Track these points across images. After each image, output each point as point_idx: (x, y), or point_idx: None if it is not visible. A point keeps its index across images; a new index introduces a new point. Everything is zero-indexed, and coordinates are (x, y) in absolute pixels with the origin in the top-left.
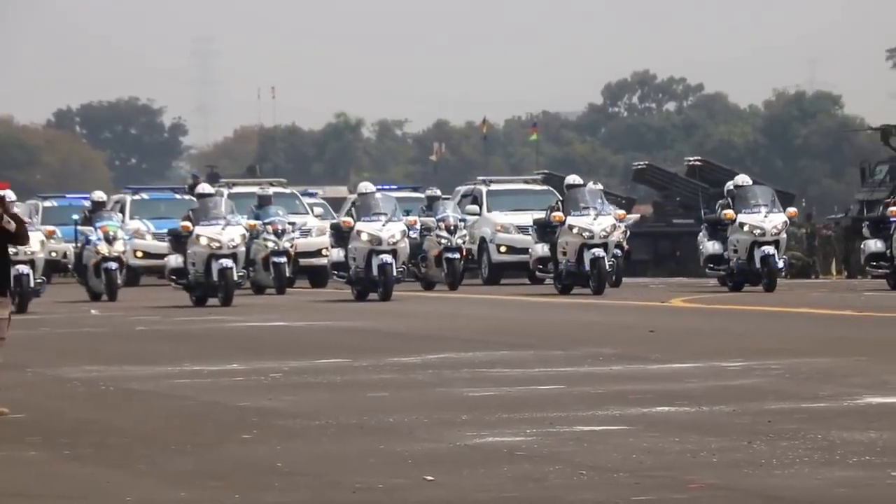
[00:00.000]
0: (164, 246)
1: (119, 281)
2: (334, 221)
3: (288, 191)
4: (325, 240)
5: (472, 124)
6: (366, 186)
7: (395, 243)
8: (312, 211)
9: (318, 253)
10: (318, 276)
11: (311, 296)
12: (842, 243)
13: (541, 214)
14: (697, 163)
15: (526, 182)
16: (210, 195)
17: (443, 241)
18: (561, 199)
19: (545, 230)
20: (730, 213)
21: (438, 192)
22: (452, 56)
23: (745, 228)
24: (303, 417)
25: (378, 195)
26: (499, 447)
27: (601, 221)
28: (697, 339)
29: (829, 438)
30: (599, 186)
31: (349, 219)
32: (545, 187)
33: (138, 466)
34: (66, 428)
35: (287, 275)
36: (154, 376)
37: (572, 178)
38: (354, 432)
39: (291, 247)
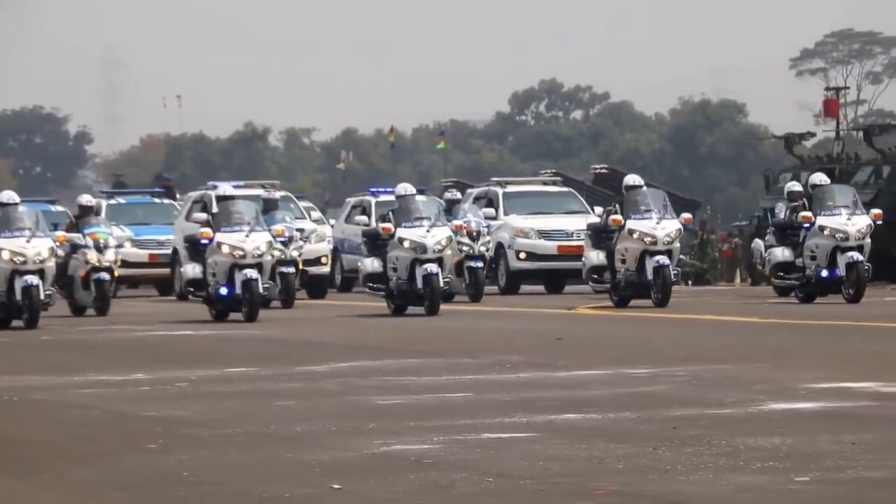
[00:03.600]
0: (144, 254)
1: (111, 293)
2: (368, 228)
3: (281, 194)
4: (325, 247)
5: (381, 132)
6: (405, 188)
7: (440, 251)
8: (310, 216)
9: (317, 261)
10: (317, 287)
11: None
12: (747, 251)
13: (561, 217)
14: (604, 171)
15: (544, 183)
16: (231, 198)
17: (464, 248)
18: (619, 201)
19: (600, 236)
20: (807, 215)
21: (459, 195)
22: (360, 64)
23: (826, 232)
24: (209, 426)
25: (420, 197)
26: (406, 455)
27: (665, 226)
28: (604, 346)
29: (734, 444)
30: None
31: (389, 224)
32: (566, 189)
33: (42, 477)
34: None
35: (295, 286)
36: (59, 386)
37: (632, 179)
38: (262, 441)
39: (299, 256)
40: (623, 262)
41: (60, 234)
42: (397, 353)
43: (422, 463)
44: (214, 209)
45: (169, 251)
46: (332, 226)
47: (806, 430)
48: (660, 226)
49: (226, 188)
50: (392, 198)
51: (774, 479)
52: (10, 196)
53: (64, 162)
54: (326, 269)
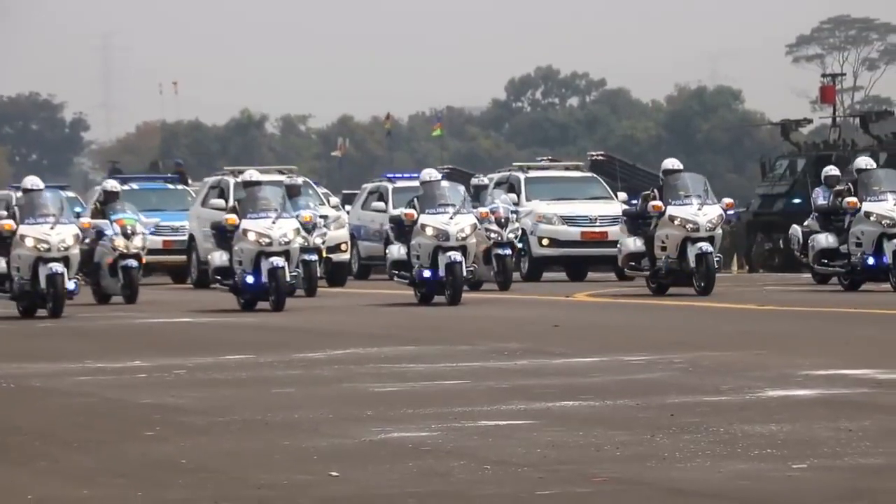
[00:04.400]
0: (158, 241)
1: (139, 280)
2: (394, 214)
3: (301, 180)
4: (345, 233)
5: (377, 119)
6: (430, 174)
7: (464, 238)
8: (328, 202)
9: (336, 248)
10: (337, 275)
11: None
12: (743, 238)
13: (584, 203)
14: (600, 157)
15: (567, 168)
16: (258, 183)
17: (492, 235)
18: (657, 186)
19: (636, 222)
20: (853, 200)
21: (486, 181)
22: (356, 51)
23: (872, 218)
24: (207, 414)
25: (444, 183)
26: (404, 442)
27: (707, 211)
28: (601, 333)
29: (731, 431)
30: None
31: (412, 211)
32: (589, 174)
33: (40, 464)
34: None
35: (318, 274)
36: (56, 373)
37: (671, 163)
38: (259, 429)
39: (323, 243)
40: (663, 249)
41: (86, 220)
42: (395, 341)
43: (420, 450)
44: (231, 194)
45: (184, 238)
46: (348, 212)
47: (803, 417)
48: (701, 211)
49: (252, 173)
50: (409, 183)
51: (772, 465)
52: (34, 182)
53: (60, 149)
54: (347, 256)
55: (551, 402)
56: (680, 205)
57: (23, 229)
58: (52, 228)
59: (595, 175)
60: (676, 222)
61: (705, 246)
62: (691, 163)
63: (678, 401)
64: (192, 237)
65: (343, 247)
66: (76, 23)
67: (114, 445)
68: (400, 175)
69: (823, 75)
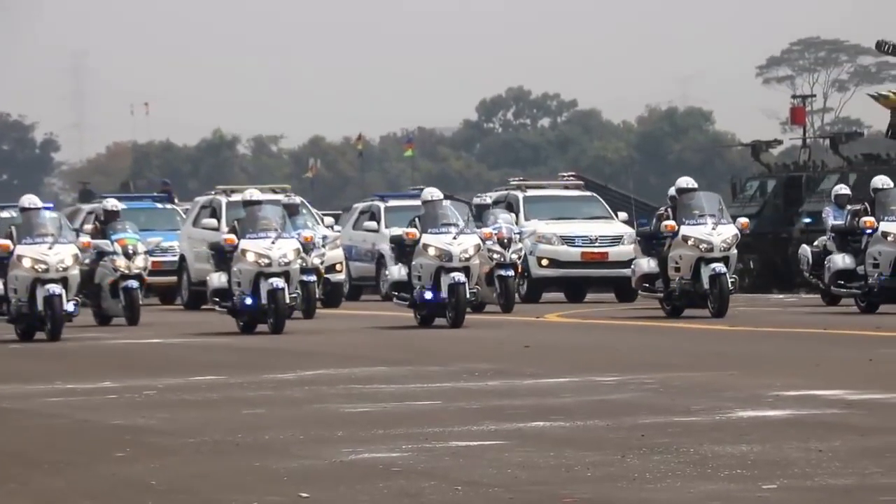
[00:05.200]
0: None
1: (141, 301)
2: (395, 233)
3: (298, 200)
4: (340, 254)
5: (349, 140)
6: (432, 193)
7: (467, 259)
8: (323, 221)
9: (332, 268)
10: (332, 296)
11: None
12: None
13: (584, 223)
14: (572, 178)
15: (566, 187)
16: (258, 202)
17: (495, 256)
18: (670, 205)
19: (650, 242)
20: (870, 220)
21: (488, 200)
22: (327, 72)
23: (889, 239)
24: (177, 435)
25: (446, 203)
26: (375, 463)
27: (721, 231)
28: (573, 354)
29: (702, 452)
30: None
31: (413, 230)
32: (588, 193)
33: (9, 486)
34: None
35: (317, 295)
36: (25, 395)
37: (685, 181)
38: (230, 450)
39: (322, 263)
40: (677, 270)
41: (86, 239)
42: (364, 361)
43: (390, 471)
44: (224, 214)
45: (174, 258)
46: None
47: (774, 438)
48: (716, 231)
49: (252, 192)
50: (401, 202)
51: (742, 486)
52: (31, 200)
53: (31, 169)
54: (342, 277)
55: (522, 422)
56: (694, 224)
57: (20, 249)
58: (50, 248)
59: (594, 194)
60: (690, 242)
61: (719, 267)
62: (663, 184)
63: (649, 421)
64: (182, 258)
65: (339, 267)
66: (47, 43)
67: (84, 466)
68: (392, 194)
69: (793, 97)
